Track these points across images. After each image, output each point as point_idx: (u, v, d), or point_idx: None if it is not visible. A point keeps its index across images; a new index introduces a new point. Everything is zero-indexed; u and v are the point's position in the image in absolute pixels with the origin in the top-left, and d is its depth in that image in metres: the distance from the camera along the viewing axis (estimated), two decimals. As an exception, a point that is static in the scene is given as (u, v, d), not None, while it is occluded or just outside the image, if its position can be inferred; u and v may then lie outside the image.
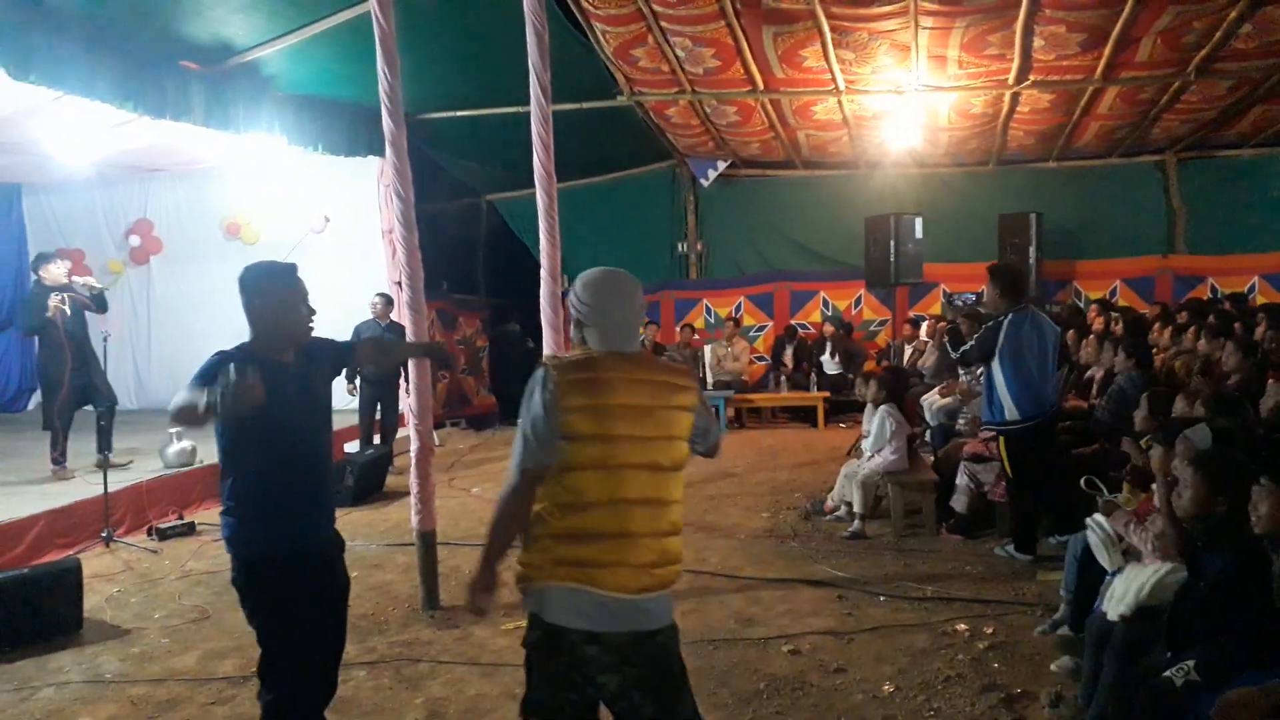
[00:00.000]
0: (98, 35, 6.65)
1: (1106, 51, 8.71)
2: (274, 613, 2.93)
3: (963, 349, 5.82)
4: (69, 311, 7.37)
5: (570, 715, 2.36)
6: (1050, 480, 5.73)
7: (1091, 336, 7.55)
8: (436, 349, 3.50)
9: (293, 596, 2.91)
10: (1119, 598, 3.43)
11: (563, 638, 2.31)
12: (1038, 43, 8.63)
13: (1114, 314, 9.17)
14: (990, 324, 5.66)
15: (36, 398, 11.99)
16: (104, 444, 7.40)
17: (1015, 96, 9.99)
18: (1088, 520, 4.01)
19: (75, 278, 7.71)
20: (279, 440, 2.89)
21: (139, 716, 3.94)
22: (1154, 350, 7.20)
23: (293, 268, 3.03)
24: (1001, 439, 5.71)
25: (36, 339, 7.55)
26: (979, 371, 7.70)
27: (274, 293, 2.95)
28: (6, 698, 4.13)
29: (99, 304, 7.78)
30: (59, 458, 7.39)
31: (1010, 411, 5.57)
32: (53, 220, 11.91)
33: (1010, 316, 5.59)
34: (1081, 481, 4.27)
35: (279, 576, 2.91)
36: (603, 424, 2.35)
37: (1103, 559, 3.87)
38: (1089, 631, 3.57)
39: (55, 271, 7.50)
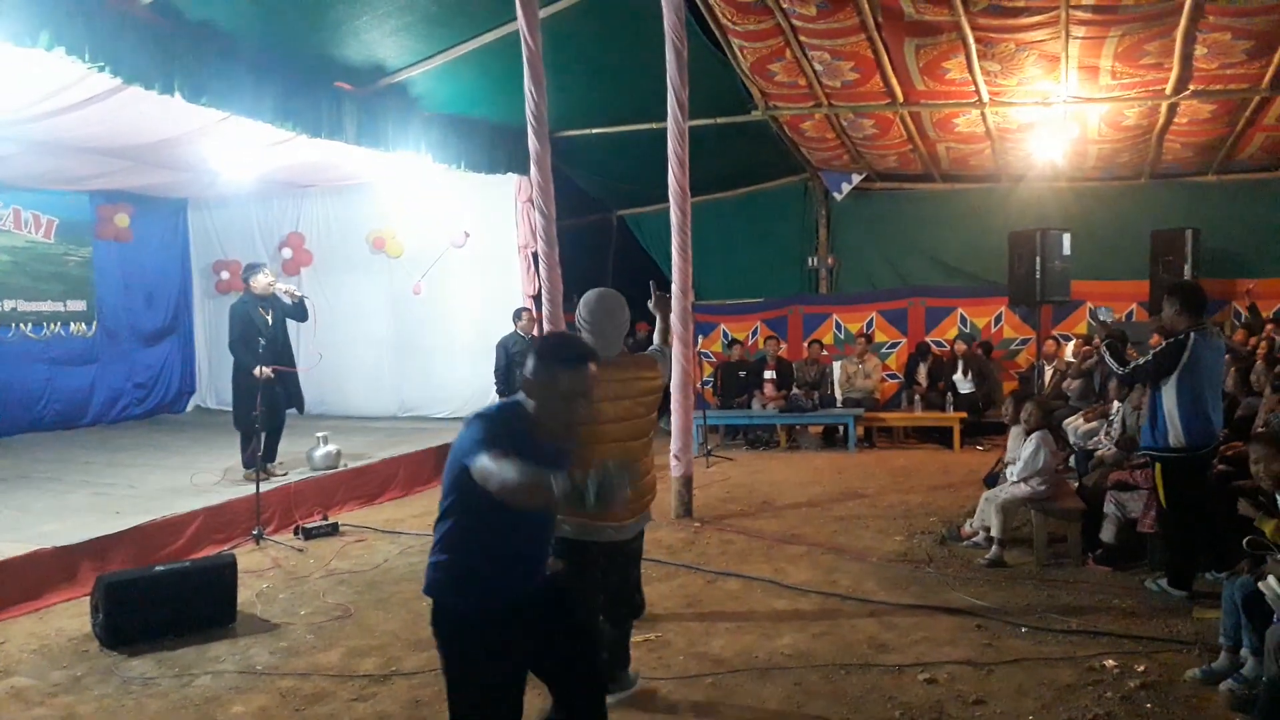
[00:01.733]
0: (263, 60, 7.08)
1: (1276, 58, 8.22)
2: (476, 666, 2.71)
3: (1134, 365, 5.44)
4: (270, 375, 7.56)
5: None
6: (1208, 513, 5.39)
7: (1260, 364, 7.02)
8: None
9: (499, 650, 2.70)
10: None
11: (584, 547, 3.66)
12: (1199, 50, 8.19)
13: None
14: (1172, 341, 5.28)
15: (195, 400, 12.78)
16: (269, 452, 7.74)
17: (1173, 107, 9.51)
18: (1262, 585, 3.68)
19: (279, 285, 7.97)
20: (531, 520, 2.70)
21: (287, 709, 4.12)
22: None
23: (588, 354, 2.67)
24: (1158, 466, 5.38)
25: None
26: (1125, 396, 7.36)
27: (567, 381, 2.58)
28: (170, 683, 4.39)
29: (300, 312, 7.98)
30: (249, 459, 7.56)
31: (1176, 438, 5.22)
32: (213, 233, 12.65)
33: (1194, 335, 5.23)
34: (1244, 543, 4.00)
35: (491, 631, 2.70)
36: (595, 415, 3.19)
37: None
38: (1268, 687, 3.32)
39: (262, 281, 7.78)
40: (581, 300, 3.55)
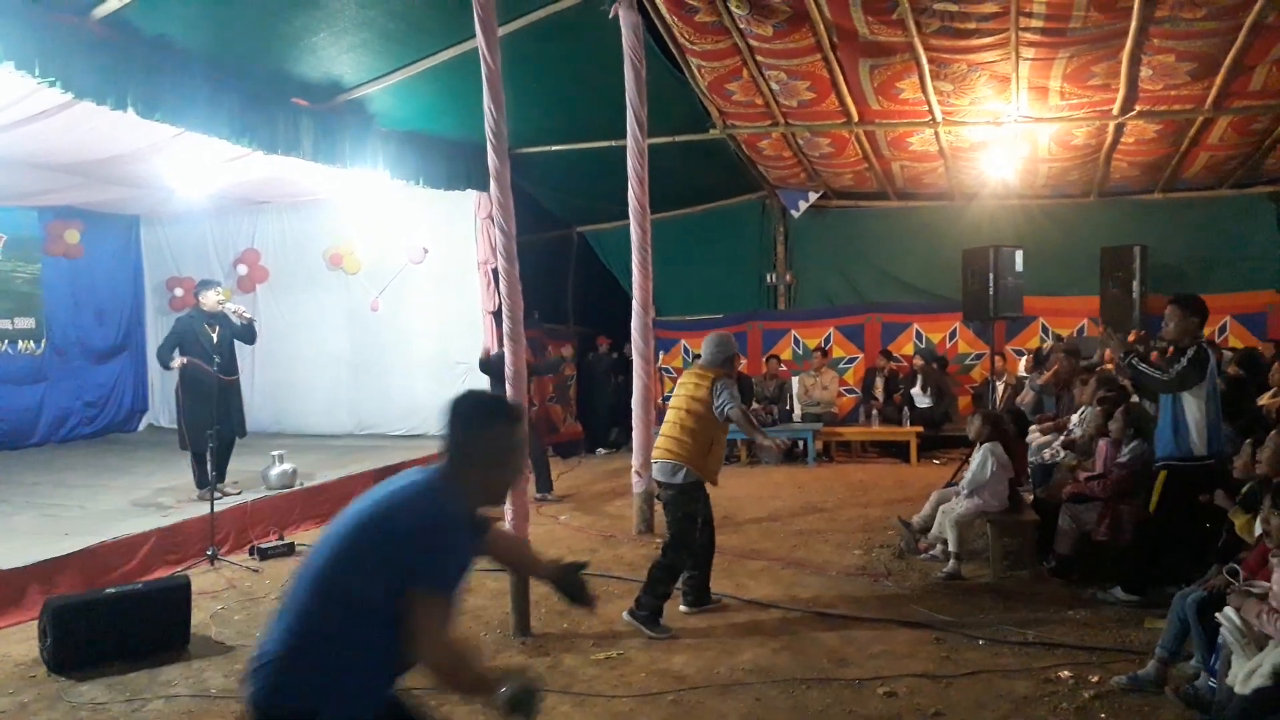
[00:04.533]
0: (218, 75, 6.99)
1: (1218, 80, 8.43)
2: None
3: (1178, 371, 5.25)
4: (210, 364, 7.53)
5: None
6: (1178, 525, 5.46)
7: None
8: None
9: None
10: (1251, 671, 3.24)
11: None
12: (1145, 72, 8.40)
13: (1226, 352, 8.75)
14: (1198, 349, 5.26)
15: (148, 418, 12.55)
16: (218, 470, 7.60)
17: (1120, 127, 9.74)
18: (1220, 615, 3.69)
19: (229, 306, 7.90)
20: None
21: (243, 732, 4.05)
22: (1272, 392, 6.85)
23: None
24: (1164, 473, 5.37)
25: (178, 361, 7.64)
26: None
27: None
28: (120, 708, 4.30)
29: (248, 334, 7.95)
30: (201, 480, 7.44)
31: (1201, 446, 5.22)
32: (167, 249, 12.46)
33: (1207, 344, 5.29)
34: (1224, 571, 4.06)
35: None
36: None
37: (1239, 655, 3.52)
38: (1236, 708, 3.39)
39: (211, 299, 7.73)
40: None
